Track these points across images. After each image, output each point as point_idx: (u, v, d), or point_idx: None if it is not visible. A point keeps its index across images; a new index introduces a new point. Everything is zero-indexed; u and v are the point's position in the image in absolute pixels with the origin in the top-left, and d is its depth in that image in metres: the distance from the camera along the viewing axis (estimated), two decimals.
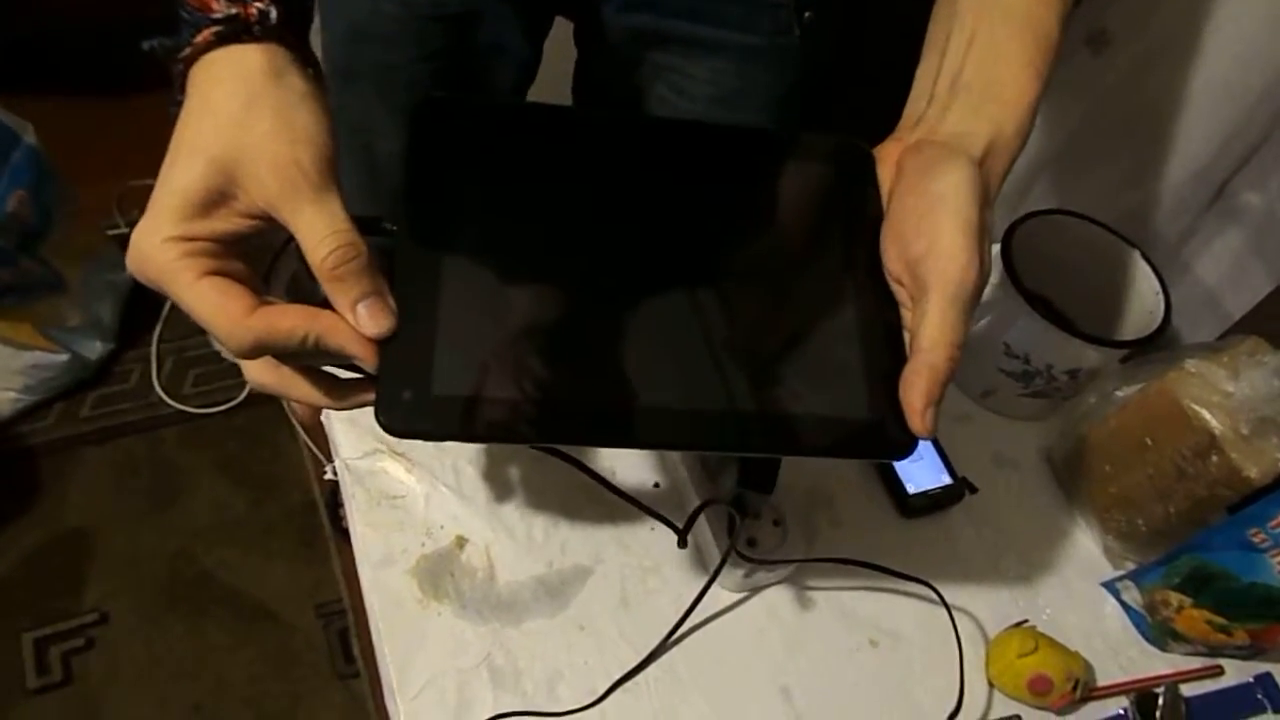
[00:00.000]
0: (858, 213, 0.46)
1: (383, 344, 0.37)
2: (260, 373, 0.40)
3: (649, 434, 0.40)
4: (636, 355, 0.40)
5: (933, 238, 0.41)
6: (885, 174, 0.46)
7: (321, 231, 0.36)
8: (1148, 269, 0.70)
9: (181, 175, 0.36)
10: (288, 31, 0.39)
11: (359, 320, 0.37)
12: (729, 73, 0.71)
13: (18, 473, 1.36)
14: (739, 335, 0.42)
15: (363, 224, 0.38)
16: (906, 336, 0.42)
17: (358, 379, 0.41)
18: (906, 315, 0.43)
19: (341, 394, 0.41)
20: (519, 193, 0.43)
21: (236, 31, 0.37)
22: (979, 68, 0.45)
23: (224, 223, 0.37)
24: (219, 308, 0.36)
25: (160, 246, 0.36)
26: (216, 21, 0.37)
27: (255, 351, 0.36)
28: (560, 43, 0.79)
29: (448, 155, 0.41)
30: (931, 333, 0.40)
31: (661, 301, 0.42)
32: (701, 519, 0.59)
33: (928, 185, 0.42)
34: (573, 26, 0.77)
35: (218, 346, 0.42)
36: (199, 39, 0.37)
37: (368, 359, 0.37)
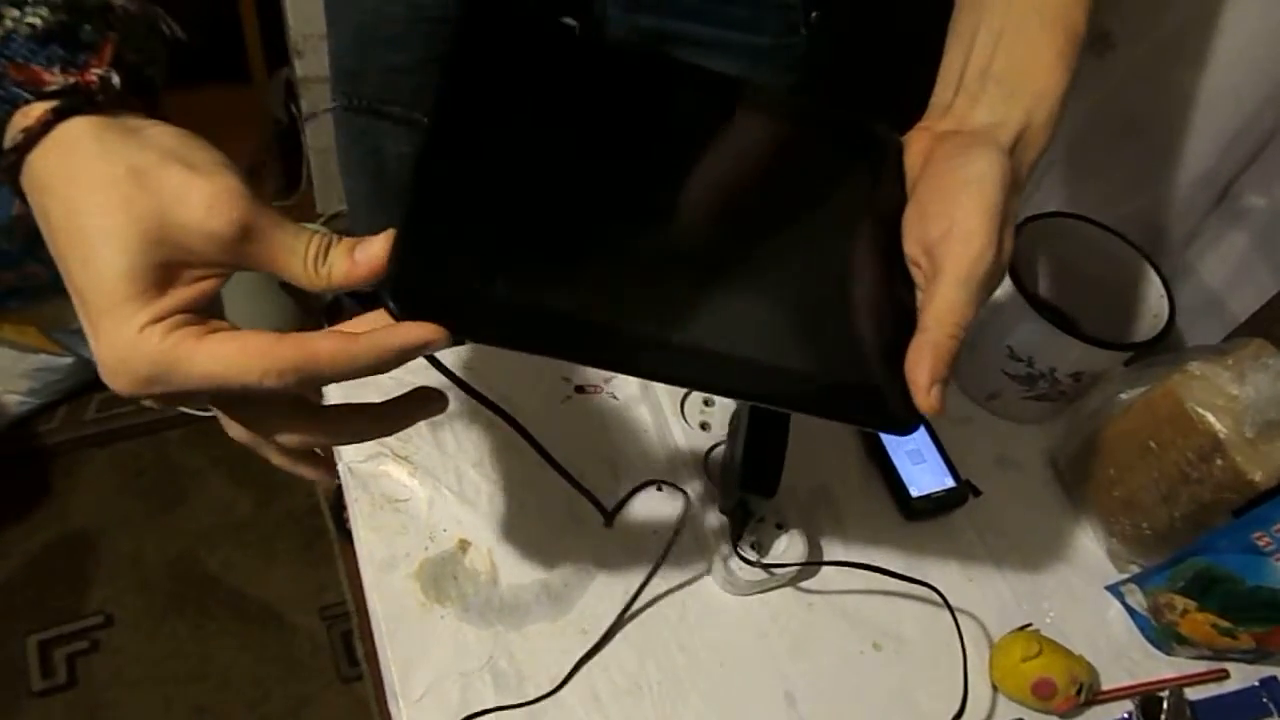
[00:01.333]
0: (881, 194, 0.46)
1: (399, 231, 0.35)
2: (301, 429, 0.37)
3: (648, 362, 0.39)
4: (644, 285, 0.40)
5: (952, 220, 0.41)
6: (913, 161, 0.47)
7: (289, 240, 0.34)
8: (1152, 271, 0.70)
9: (114, 262, 0.31)
10: (133, 99, 0.35)
11: (361, 264, 0.34)
12: (736, 72, 0.71)
13: (23, 475, 1.37)
14: (753, 286, 0.43)
15: (375, 109, 0.36)
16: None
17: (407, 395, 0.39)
18: (921, 297, 0.43)
19: (403, 413, 0.40)
20: (556, 116, 0.43)
21: (78, 104, 0.33)
22: (1009, 59, 0.45)
23: (189, 290, 0.33)
24: (242, 351, 0.32)
25: (141, 338, 0.31)
26: (52, 95, 0.33)
27: (298, 381, 0.33)
28: None
29: (490, 63, 0.41)
30: (936, 311, 0.41)
31: (673, 239, 0.43)
32: (706, 523, 0.59)
33: (954, 171, 0.43)
34: (578, 27, 0.77)
35: (231, 428, 0.38)
36: (32, 122, 0.32)
37: (438, 338, 0.34)
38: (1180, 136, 0.75)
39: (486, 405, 0.49)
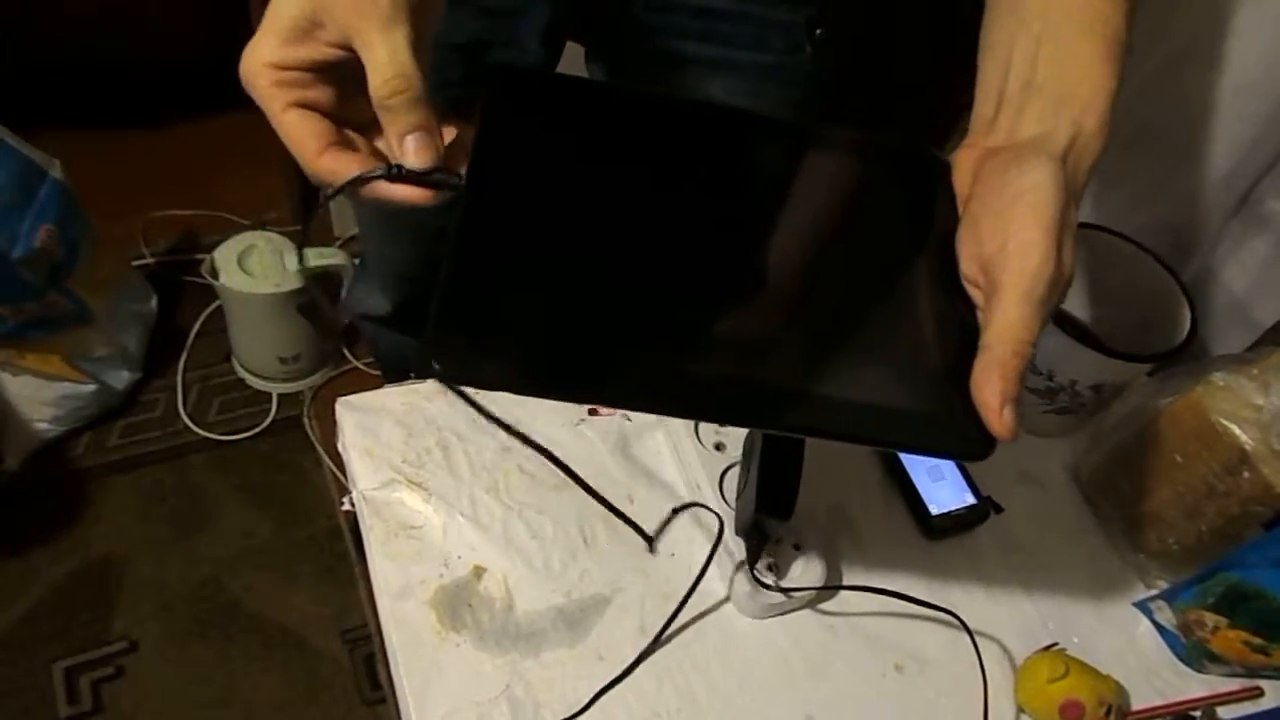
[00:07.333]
0: (930, 218, 0.45)
1: (438, 291, 0.37)
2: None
3: (714, 405, 0.39)
4: (699, 327, 0.41)
5: (1008, 234, 0.40)
6: (961, 180, 0.45)
7: (381, 60, 0.38)
8: (1172, 281, 0.69)
9: (285, 4, 0.39)
10: None
11: (404, 152, 0.39)
12: (741, 90, 0.71)
13: (49, 502, 1.38)
14: (808, 322, 0.43)
15: (426, 176, 0.40)
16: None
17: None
18: (982, 317, 0.41)
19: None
20: (594, 167, 0.44)
21: None
22: (1051, 68, 0.44)
23: (313, 50, 0.39)
24: (297, 141, 0.39)
25: (259, 71, 0.39)
26: None
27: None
28: (573, 67, 0.79)
29: (521, 121, 0.43)
30: (998, 329, 0.39)
31: (722, 280, 0.43)
32: (723, 546, 0.59)
33: (1007, 184, 0.42)
34: (584, 50, 0.78)
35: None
36: None
37: (417, 199, 0.40)
38: (1197, 142, 0.74)
39: (533, 446, 0.52)
